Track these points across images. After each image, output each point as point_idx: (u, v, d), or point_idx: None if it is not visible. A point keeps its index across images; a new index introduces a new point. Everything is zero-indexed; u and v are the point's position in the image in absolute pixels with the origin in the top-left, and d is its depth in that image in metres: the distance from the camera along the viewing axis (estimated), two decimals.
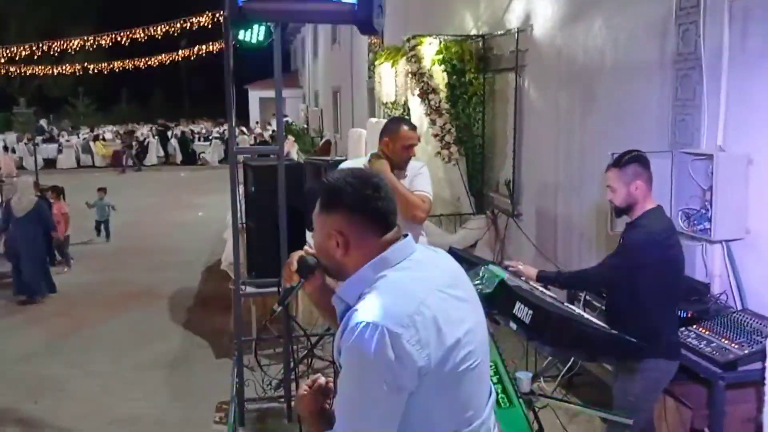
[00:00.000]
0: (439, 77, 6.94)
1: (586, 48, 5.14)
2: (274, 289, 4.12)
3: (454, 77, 6.94)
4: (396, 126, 3.57)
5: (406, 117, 7.97)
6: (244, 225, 5.94)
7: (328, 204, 1.54)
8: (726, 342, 3.11)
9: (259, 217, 5.59)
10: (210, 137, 25.21)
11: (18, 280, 7.64)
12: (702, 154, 3.71)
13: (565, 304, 2.76)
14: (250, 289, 4.04)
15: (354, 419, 1.42)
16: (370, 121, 9.16)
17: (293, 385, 3.89)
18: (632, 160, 2.92)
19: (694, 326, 3.29)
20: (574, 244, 5.61)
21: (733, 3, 3.53)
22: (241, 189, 7.47)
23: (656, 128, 4.30)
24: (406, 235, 1.55)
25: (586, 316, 2.67)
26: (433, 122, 6.93)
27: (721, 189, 3.53)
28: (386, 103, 8.84)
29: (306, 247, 1.67)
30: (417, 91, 7.05)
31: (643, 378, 2.78)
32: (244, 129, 25.65)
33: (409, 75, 7.19)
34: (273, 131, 18.73)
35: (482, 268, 2.65)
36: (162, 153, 23.84)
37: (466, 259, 2.92)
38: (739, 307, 3.58)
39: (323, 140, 18.49)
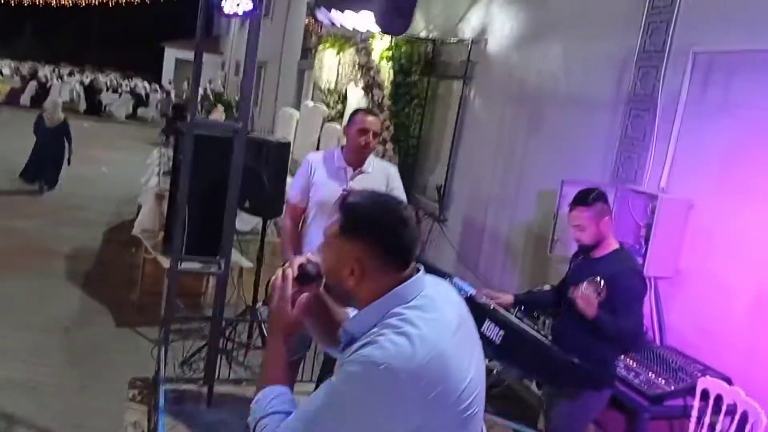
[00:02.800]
0: (386, 73, 6.91)
1: (540, 71, 5.25)
2: (212, 267, 3.95)
3: (400, 76, 6.94)
4: (354, 113, 3.48)
5: (342, 106, 7.89)
6: (169, 192, 5.69)
7: (352, 229, 1.42)
8: (653, 376, 3.26)
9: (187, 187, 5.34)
10: (120, 90, 23.90)
11: (37, 172, 10.03)
12: (646, 193, 3.88)
13: (525, 321, 2.79)
14: (185, 265, 3.82)
15: (308, 420, 1.35)
16: (305, 103, 8.99)
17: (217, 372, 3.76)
18: (598, 198, 2.98)
19: (623, 356, 3.43)
20: (498, 258, 5.74)
21: (697, 55, 3.71)
22: (157, 151, 7.09)
23: (601, 161, 4.45)
24: (418, 269, 1.48)
25: (547, 340, 2.71)
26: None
27: (660, 228, 3.70)
28: (324, 89, 8.70)
29: (308, 255, 1.54)
30: (362, 84, 6.98)
31: (585, 404, 2.87)
32: (158, 87, 24.51)
33: (357, 66, 7.11)
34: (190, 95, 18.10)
35: (447, 281, 2.62)
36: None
37: (433, 269, 2.89)
38: (659, 343, 3.78)
39: None
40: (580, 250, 3.06)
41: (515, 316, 2.89)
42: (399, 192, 3.51)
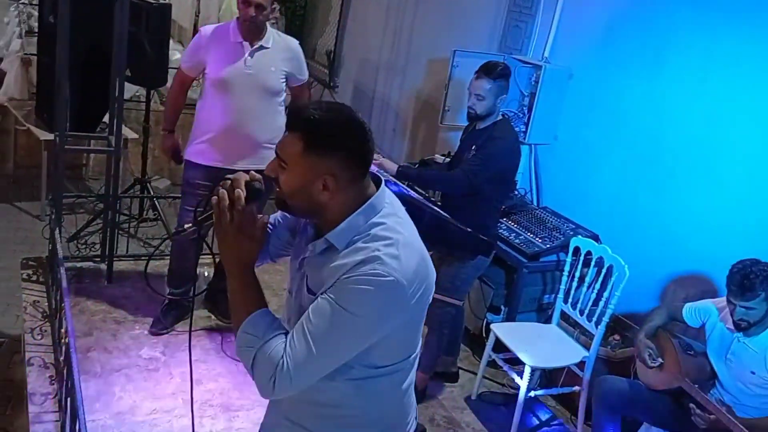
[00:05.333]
0: None
1: None
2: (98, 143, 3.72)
3: None
4: None
5: None
6: (37, 58, 5.24)
7: (324, 145, 1.39)
8: (531, 236, 3.60)
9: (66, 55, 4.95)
10: None
11: None
12: (531, 63, 4.04)
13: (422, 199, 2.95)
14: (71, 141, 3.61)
15: (321, 343, 1.37)
16: None
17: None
18: (503, 74, 3.07)
19: (505, 219, 3.73)
20: (388, 124, 5.84)
21: None
22: (14, 8, 6.45)
23: (489, 30, 4.53)
24: (379, 178, 1.51)
25: (444, 213, 2.90)
26: None
27: (542, 98, 3.91)
28: None
29: (252, 172, 1.49)
30: None
31: (474, 265, 3.15)
32: None
33: None
34: None
35: None
36: None
37: None
38: (536, 204, 4.12)
39: None
40: (468, 119, 3.20)
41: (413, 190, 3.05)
42: (304, 70, 3.44)
